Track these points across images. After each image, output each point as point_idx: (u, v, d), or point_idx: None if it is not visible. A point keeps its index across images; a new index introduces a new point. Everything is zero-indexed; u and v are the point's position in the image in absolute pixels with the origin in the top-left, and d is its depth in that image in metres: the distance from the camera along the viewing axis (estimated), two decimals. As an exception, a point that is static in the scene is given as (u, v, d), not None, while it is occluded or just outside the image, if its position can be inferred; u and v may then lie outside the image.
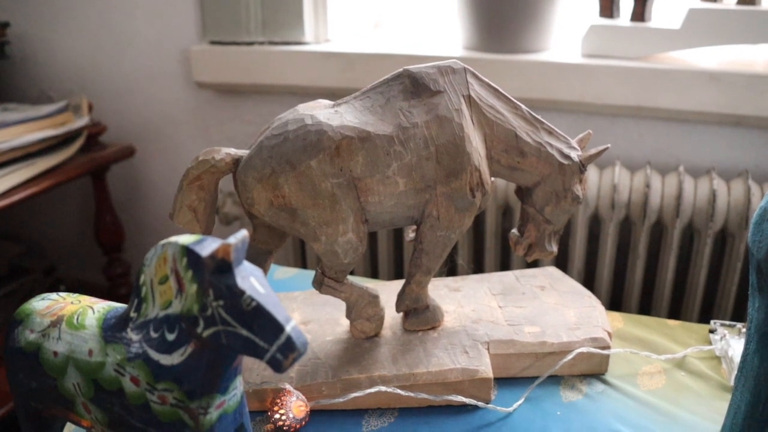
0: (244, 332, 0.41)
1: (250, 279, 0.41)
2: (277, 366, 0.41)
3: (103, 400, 0.47)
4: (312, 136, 0.60)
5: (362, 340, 0.70)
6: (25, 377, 0.50)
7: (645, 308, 1.11)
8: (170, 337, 0.44)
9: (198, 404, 0.44)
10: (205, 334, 0.42)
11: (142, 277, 0.46)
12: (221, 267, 0.41)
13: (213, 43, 1.29)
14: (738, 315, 1.06)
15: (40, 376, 0.49)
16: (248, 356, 0.42)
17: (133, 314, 0.46)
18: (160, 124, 1.45)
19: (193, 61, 1.30)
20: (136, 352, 0.45)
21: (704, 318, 1.08)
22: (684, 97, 1.03)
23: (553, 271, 0.83)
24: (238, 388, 0.47)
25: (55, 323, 0.49)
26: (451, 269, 1.16)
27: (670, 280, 1.04)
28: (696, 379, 0.70)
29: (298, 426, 0.63)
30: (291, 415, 0.62)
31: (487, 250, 1.11)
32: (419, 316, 0.71)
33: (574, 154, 0.68)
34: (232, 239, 0.41)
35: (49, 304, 0.51)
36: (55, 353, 0.48)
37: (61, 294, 0.53)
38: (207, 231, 0.65)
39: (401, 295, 0.70)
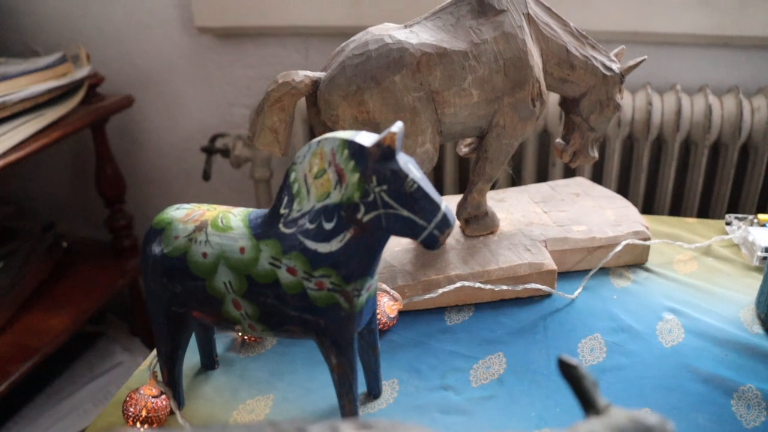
0: (405, 213, 0.46)
1: (408, 164, 0.46)
2: (433, 242, 0.47)
3: (256, 294, 0.51)
4: (395, 53, 0.64)
5: (430, 248, 0.76)
6: (169, 282, 0.54)
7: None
8: (328, 226, 0.48)
9: (353, 287, 0.50)
10: (366, 218, 0.47)
11: (293, 175, 0.50)
12: (385, 154, 0.46)
13: (213, -14, 1.29)
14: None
15: (187, 279, 0.53)
16: (403, 237, 0.47)
17: (283, 211, 0.51)
18: (157, 72, 1.44)
19: (194, 6, 1.30)
20: (291, 245, 0.50)
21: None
22: (676, 21, 1.11)
23: (582, 180, 0.91)
24: (378, 274, 0.53)
25: (201, 227, 0.53)
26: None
27: (670, 189, 1.14)
28: (723, 263, 0.80)
29: (390, 324, 0.69)
30: (385, 314, 0.68)
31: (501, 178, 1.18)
32: (479, 222, 0.77)
33: (615, 66, 0.75)
34: (394, 128, 0.46)
35: (187, 212, 0.54)
36: (204, 254, 0.52)
37: (192, 204, 0.56)
38: (285, 152, 0.69)
39: (463, 203, 0.76)
